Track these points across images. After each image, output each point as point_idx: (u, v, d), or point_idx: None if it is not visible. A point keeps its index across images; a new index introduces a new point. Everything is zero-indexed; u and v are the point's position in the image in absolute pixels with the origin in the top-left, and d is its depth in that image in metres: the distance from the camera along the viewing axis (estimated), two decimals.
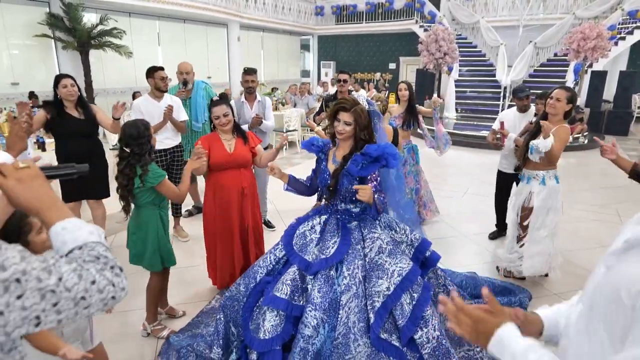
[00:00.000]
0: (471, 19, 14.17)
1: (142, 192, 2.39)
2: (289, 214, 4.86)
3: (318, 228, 2.27)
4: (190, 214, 4.60)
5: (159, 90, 3.89)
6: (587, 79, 10.99)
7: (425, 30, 13.18)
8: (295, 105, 9.35)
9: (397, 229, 2.28)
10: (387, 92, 14.23)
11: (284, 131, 7.71)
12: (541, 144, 2.91)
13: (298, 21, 15.85)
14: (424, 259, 2.27)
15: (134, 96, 9.19)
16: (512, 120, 3.94)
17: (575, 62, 10.79)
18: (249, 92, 4.14)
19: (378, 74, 16.42)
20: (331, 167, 2.28)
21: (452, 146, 5.06)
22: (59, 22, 8.33)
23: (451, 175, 6.80)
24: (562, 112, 3.03)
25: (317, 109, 4.75)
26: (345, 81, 4.58)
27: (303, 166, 7.22)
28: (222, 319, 2.32)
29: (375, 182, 2.22)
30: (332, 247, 2.13)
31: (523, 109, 3.90)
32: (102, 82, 9.87)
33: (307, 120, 4.56)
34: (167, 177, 2.44)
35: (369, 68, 16.89)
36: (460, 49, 12.31)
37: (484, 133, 9.61)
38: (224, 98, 3.60)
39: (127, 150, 2.32)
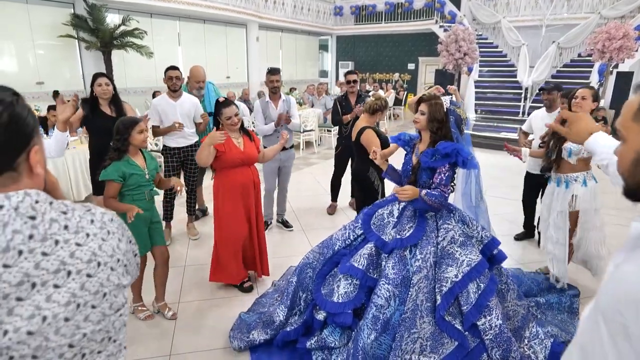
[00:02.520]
0: (492, 18, 13.94)
1: None
2: (304, 213, 4.87)
3: (396, 213, 2.48)
4: (196, 217, 4.53)
5: (171, 90, 3.92)
6: (612, 80, 10.67)
7: (445, 30, 13.01)
8: (312, 106, 9.36)
9: (470, 225, 2.43)
10: (406, 92, 14.13)
11: (301, 131, 7.72)
12: (575, 145, 2.88)
13: (317, 21, 15.87)
14: (491, 256, 2.43)
15: (154, 95, 9.36)
16: (540, 120, 3.88)
17: (600, 63, 10.50)
18: (274, 92, 4.18)
19: (396, 75, 16.31)
20: (414, 159, 2.47)
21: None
22: (83, 22, 8.53)
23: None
24: (588, 110, 2.99)
25: (333, 111, 4.77)
26: (354, 81, 4.60)
27: (320, 166, 7.23)
28: (294, 282, 2.59)
29: (442, 176, 2.33)
30: (408, 231, 2.35)
31: (547, 106, 3.82)
32: (124, 82, 10.06)
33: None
34: (114, 182, 2.49)
35: (388, 68, 16.79)
36: (481, 49, 12.13)
37: (504, 135, 9.45)
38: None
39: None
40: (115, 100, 3.52)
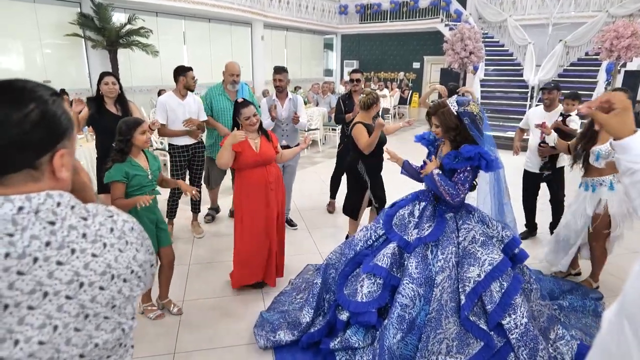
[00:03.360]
0: (498, 17, 13.84)
1: None
2: (308, 211, 4.87)
3: (417, 213, 2.49)
4: (212, 218, 4.55)
5: (187, 90, 3.94)
6: (620, 79, 10.56)
7: (451, 29, 12.94)
8: (317, 104, 9.35)
9: (490, 225, 2.43)
10: (411, 91, 14.07)
11: (306, 130, 7.71)
12: (604, 149, 2.86)
13: (322, 20, 15.84)
14: (512, 255, 2.42)
15: (160, 94, 9.39)
16: (538, 118, 3.84)
17: (608, 62, 10.39)
18: (279, 91, 4.18)
19: (402, 74, 16.27)
20: (435, 161, 2.48)
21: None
22: (89, 21, 8.58)
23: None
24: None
25: (336, 109, 4.75)
26: (358, 80, 4.60)
27: (325, 165, 7.22)
28: (319, 283, 2.60)
29: (461, 175, 2.32)
30: (427, 230, 2.37)
31: (547, 105, 3.79)
32: (130, 81, 10.11)
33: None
34: (119, 183, 2.47)
35: (393, 67, 16.74)
36: (487, 48, 12.04)
37: (510, 134, 9.38)
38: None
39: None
40: (121, 100, 3.54)
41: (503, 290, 2.19)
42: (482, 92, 12.12)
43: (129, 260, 0.79)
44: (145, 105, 9.75)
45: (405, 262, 2.34)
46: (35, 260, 0.67)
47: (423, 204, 2.51)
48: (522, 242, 3.94)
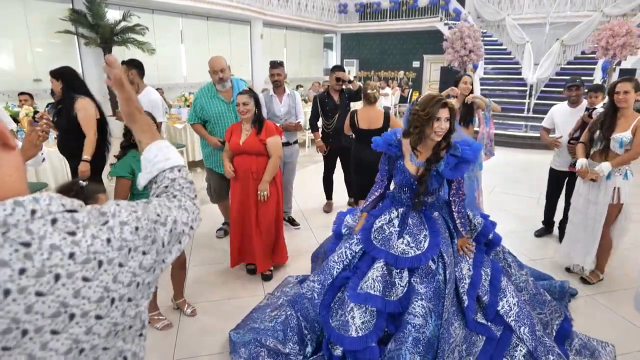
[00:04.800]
0: (497, 16, 13.84)
1: None
2: (311, 211, 4.79)
3: (396, 222, 2.27)
4: (225, 233, 4.07)
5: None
6: (615, 76, 10.55)
7: (450, 28, 12.90)
8: None
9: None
10: (411, 90, 14.03)
11: (306, 128, 7.63)
12: (627, 135, 2.90)
13: (321, 19, 15.77)
14: (487, 241, 2.42)
15: None
16: (563, 115, 3.80)
17: (604, 60, 10.39)
18: (277, 86, 4.06)
19: (401, 72, 16.21)
20: (411, 166, 2.23)
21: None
22: (82, 18, 8.37)
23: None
24: (632, 102, 2.94)
25: (312, 111, 4.55)
26: (344, 81, 4.44)
27: (318, 166, 7.13)
28: (294, 314, 2.33)
29: (460, 178, 2.25)
30: (425, 241, 2.16)
31: (574, 101, 3.73)
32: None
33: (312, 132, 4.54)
34: (124, 179, 2.35)
35: (393, 66, 16.68)
36: (486, 47, 12.00)
37: (511, 132, 9.35)
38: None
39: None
40: (64, 99, 3.29)
41: (489, 277, 2.21)
42: (481, 90, 12.08)
43: (134, 271, 0.68)
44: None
45: (396, 281, 2.12)
46: (57, 277, 0.57)
47: (401, 209, 2.29)
48: (538, 240, 4.02)
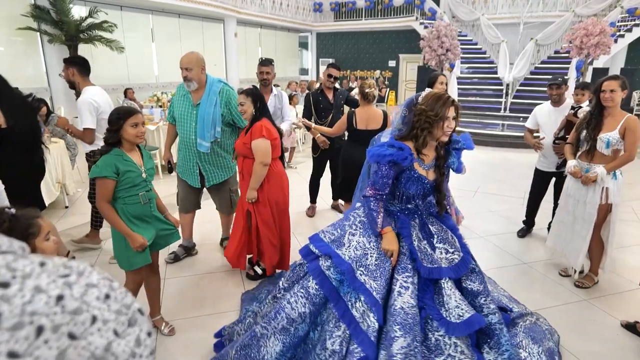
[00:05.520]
0: (471, 16, 13.97)
1: None
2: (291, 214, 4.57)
3: (421, 234, 2.07)
4: (176, 257, 3.46)
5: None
6: (589, 75, 10.79)
7: (426, 27, 12.93)
8: (296, 103, 9.05)
9: None
10: (388, 89, 13.98)
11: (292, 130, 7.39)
12: (614, 136, 2.82)
13: (296, 18, 15.54)
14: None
15: (126, 93, 8.86)
16: (546, 115, 3.71)
17: (577, 59, 10.60)
18: (264, 85, 3.81)
19: (378, 72, 16.18)
20: (424, 172, 2.04)
21: None
22: (44, 14, 7.91)
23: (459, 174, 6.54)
24: (619, 101, 2.87)
25: (305, 109, 4.34)
26: (336, 78, 4.28)
27: (305, 165, 6.93)
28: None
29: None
30: (455, 240, 2.09)
31: (556, 100, 3.64)
32: (93, 79, 9.47)
33: (300, 120, 4.09)
34: (108, 179, 2.09)
35: (369, 65, 16.62)
36: (461, 47, 12.07)
37: (488, 131, 9.39)
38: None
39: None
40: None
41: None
42: (458, 89, 12.14)
43: (94, 353, 0.47)
44: (113, 104, 9.17)
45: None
46: (94, 320, 0.46)
47: (417, 220, 2.10)
48: (525, 241, 3.90)
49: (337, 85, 4.58)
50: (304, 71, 18.23)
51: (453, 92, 12.16)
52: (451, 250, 2.04)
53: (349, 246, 1.98)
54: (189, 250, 3.55)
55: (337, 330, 1.84)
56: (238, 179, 3.20)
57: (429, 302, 1.90)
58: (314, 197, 4.68)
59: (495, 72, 12.22)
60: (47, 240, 1.27)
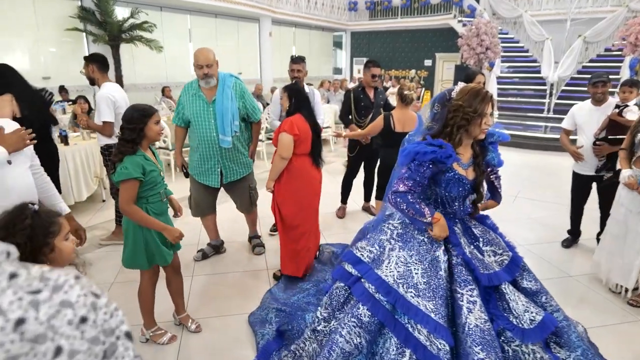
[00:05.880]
0: (513, 12, 13.40)
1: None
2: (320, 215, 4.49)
3: (467, 238, 1.94)
4: (204, 256, 3.48)
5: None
6: None
7: (464, 25, 12.52)
8: (328, 102, 8.99)
9: None
10: (423, 89, 13.67)
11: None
12: None
13: (331, 17, 15.46)
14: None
15: (164, 91, 9.07)
16: (587, 114, 3.42)
17: (632, 57, 9.92)
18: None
19: (413, 71, 15.85)
20: (463, 172, 1.90)
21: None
22: (90, 15, 8.27)
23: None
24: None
25: (344, 106, 4.28)
26: (380, 77, 4.21)
27: (336, 165, 6.84)
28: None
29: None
30: (500, 240, 1.97)
31: (599, 99, 3.35)
32: (133, 77, 9.80)
33: (343, 131, 4.03)
34: (135, 181, 2.06)
35: (404, 65, 16.31)
36: (502, 45, 11.60)
37: (530, 133, 8.95)
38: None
39: (119, 132, 2.15)
40: None
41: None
42: (498, 89, 11.68)
43: None
44: (150, 102, 9.44)
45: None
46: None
47: (459, 224, 1.95)
48: (570, 252, 3.65)
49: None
50: (337, 70, 18.14)
51: (492, 92, 11.71)
52: (499, 252, 1.91)
53: (389, 263, 1.82)
54: (217, 248, 3.55)
55: (402, 358, 1.67)
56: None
57: (495, 311, 1.76)
58: (345, 197, 4.58)
59: (538, 72, 11.68)
60: (66, 239, 1.25)
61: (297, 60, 3.75)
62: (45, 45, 8.24)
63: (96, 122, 3.39)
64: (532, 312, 1.72)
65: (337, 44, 17.87)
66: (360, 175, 4.50)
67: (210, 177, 3.18)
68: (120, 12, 8.94)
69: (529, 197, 5.19)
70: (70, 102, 7.00)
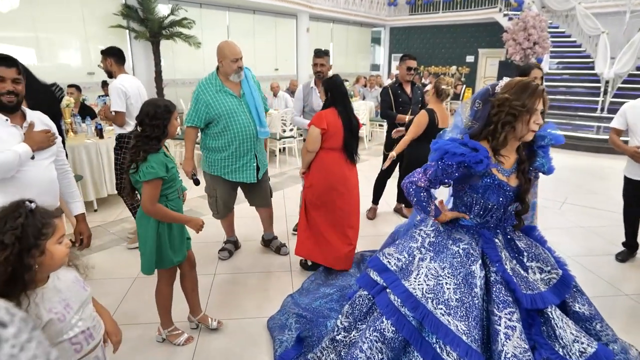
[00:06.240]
0: (565, 5, 12.58)
1: (137, 181, 2.03)
2: None
3: (509, 253, 1.72)
4: (230, 253, 3.44)
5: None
6: None
7: (510, 19, 11.89)
8: (364, 98, 8.79)
9: None
10: (464, 86, 13.15)
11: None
12: None
13: (369, 12, 15.16)
14: None
15: None
16: None
17: None
18: (319, 77, 3.59)
19: (454, 68, 15.29)
20: (504, 178, 1.68)
21: None
22: (133, 12, 8.49)
23: (544, 181, 5.82)
24: None
25: (384, 102, 4.11)
26: (416, 69, 4.03)
27: (370, 164, 6.64)
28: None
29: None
30: (548, 256, 1.75)
31: None
32: (172, 73, 10.00)
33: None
34: (159, 180, 1.99)
35: (444, 61, 15.76)
36: (551, 39, 10.91)
37: (580, 133, 8.35)
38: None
39: (139, 129, 2.03)
40: None
41: None
42: (546, 87, 11.01)
43: None
44: (187, 97, 9.60)
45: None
46: None
47: (500, 237, 1.73)
48: (625, 267, 3.30)
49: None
50: (375, 67, 17.81)
51: None
52: (547, 269, 1.68)
53: (418, 274, 1.64)
54: (236, 243, 3.55)
55: None
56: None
57: (539, 338, 1.53)
58: (377, 197, 4.40)
59: (592, 68, 10.91)
60: (59, 243, 1.17)
61: (320, 53, 3.59)
62: (92, 41, 8.54)
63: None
64: (582, 343, 1.48)
65: (376, 40, 17.53)
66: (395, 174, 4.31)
67: (246, 173, 3.08)
68: (162, 9, 9.12)
69: (578, 203, 4.79)
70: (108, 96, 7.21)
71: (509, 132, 1.60)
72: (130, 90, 3.37)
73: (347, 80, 11.46)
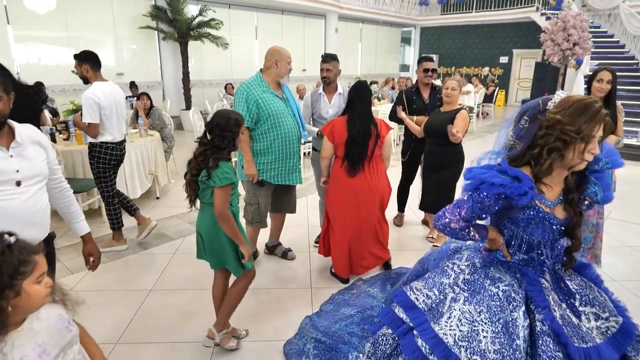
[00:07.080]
0: (608, 3, 11.90)
1: (205, 187, 2.06)
2: None
3: (557, 296, 1.48)
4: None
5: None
6: None
7: (548, 18, 11.35)
8: (392, 101, 8.56)
9: None
10: (497, 88, 12.67)
11: None
12: None
13: (400, 12, 14.85)
14: None
15: (226, 88, 9.18)
16: None
17: None
18: (326, 83, 3.41)
19: (486, 69, 14.80)
20: (548, 210, 1.44)
21: None
22: (162, 13, 8.56)
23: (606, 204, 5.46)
24: None
25: (393, 105, 3.94)
26: (433, 71, 3.78)
27: (398, 169, 6.40)
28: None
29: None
30: (605, 299, 1.48)
31: None
32: (200, 74, 10.04)
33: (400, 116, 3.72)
34: (231, 186, 2.05)
35: (477, 62, 15.27)
36: (592, 40, 10.34)
37: (625, 141, 7.82)
38: None
39: (209, 137, 2.06)
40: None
41: None
42: (585, 90, 10.45)
43: None
44: (213, 98, 9.62)
45: None
46: None
47: (547, 276, 1.50)
48: None
49: (438, 81, 4.01)
50: (404, 67, 17.47)
51: (579, 93, 10.50)
52: (604, 315, 1.43)
53: (449, 317, 1.43)
54: (255, 254, 3.35)
55: None
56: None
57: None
58: (402, 205, 4.30)
59: (636, 70, 10.28)
60: (38, 283, 1.04)
61: (326, 58, 3.38)
62: (122, 42, 8.67)
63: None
64: None
65: (405, 40, 17.19)
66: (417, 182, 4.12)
67: (292, 175, 3.13)
68: (191, 10, 9.17)
69: (624, 219, 4.43)
70: (136, 98, 7.27)
71: (555, 159, 1.37)
72: (104, 100, 3.20)
73: (376, 82, 11.25)
